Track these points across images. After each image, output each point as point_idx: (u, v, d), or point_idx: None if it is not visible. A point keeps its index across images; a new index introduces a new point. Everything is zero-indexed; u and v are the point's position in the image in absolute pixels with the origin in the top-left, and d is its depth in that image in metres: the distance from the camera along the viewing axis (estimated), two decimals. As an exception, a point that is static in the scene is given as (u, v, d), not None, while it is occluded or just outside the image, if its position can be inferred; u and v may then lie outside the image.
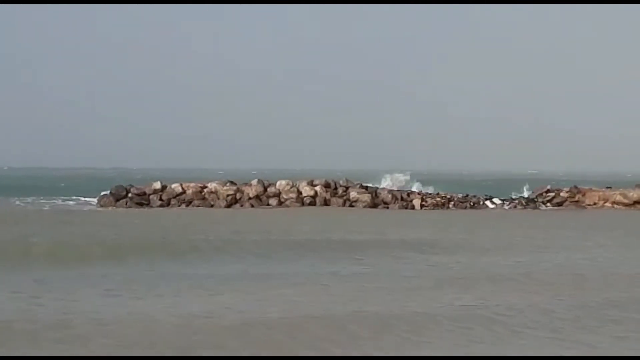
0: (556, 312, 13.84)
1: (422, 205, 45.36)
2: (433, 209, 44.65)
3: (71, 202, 48.16)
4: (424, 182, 51.32)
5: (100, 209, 43.84)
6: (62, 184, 70.12)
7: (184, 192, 45.44)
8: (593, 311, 13.99)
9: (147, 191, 45.76)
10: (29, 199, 49.00)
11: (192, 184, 45.91)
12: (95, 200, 47.09)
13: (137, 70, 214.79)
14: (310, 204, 45.05)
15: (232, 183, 46.32)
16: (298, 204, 44.90)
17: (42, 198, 49.98)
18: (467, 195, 47.47)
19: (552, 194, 47.78)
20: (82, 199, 49.34)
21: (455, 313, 13.46)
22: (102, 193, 46.68)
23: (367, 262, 21.00)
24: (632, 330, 12.53)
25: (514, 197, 48.76)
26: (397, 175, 52.10)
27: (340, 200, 45.49)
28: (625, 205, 46.92)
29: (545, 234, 29.57)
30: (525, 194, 49.55)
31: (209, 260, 20.91)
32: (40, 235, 25.83)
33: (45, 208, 44.36)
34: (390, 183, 50.23)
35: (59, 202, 48.71)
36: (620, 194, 47.81)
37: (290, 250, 22.94)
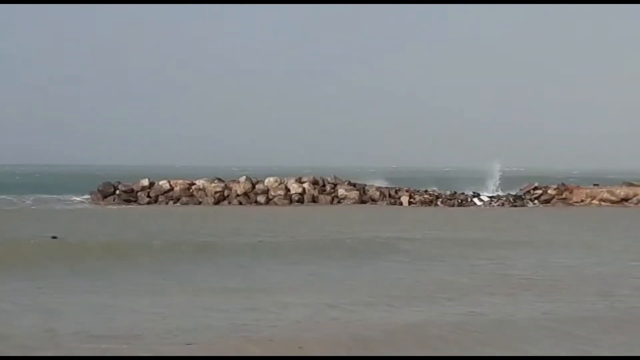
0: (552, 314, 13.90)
1: (410, 202, 45.39)
2: (421, 206, 44.67)
3: (57, 199, 47.87)
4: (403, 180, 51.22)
5: (87, 206, 43.68)
6: (52, 181, 69.82)
7: (171, 189, 45.39)
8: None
9: (135, 188, 45.72)
10: (13, 197, 48.36)
11: (180, 181, 45.88)
12: (83, 197, 47.04)
13: (134, 69, 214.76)
14: (298, 201, 45.07)
15: (220, 180, 46.29)
16: (286, 201, 44.91)
17: (27, 195, 49.52)
18: (455, 193, 47.51)
19: (540, 191, 47.87)
20: (69, 196, 49.04)
21: (454, 319, 13.21)
22: (82, 193, 46.65)
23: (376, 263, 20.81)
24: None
25: (501, 194, 48.85)
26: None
27: (329, 197, 45.53)
28: (612, 202, 47.07)
29: (533, 231, 29.63)
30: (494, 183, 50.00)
31: (191, 263, 20.74)
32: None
33: (26, 202, 44.19)
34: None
35: (44, 198, 48.28)
36: (608, 192, 47.96)
37: (289, 251, 22.50)
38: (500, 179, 51.58)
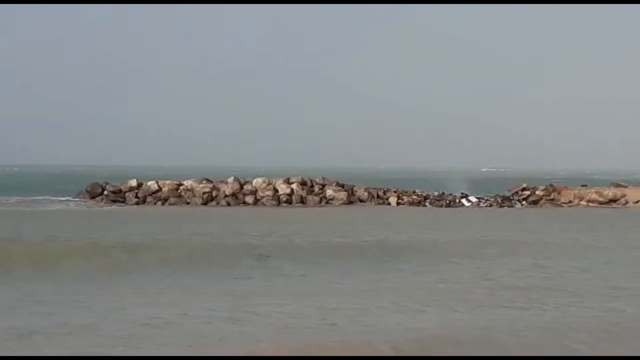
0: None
1: (398, 203, 45.43)
2: (409, 207, 44.66)
3: (47, 200, 47.43)
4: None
5: (73, 207, 43.24)
6: (39, 181, 69.42)
7: (159, 189, 45.25)
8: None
9: (123, 188, 45.57)
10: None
11: (167, 182, 45.76)
12: (73, 198, 46.79)
13: (130, 69, 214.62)
14: (286, 201, 44.96)
15: (208, 180, 46.18)
16: (274, 202, 44.79)
17: (12, 195, 48.90)
18: (443, 193, 47.52)
19: (528, 192, 47.90)
20: (57, 196, 48.65)
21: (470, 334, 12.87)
22: (69, 193, 46.41)
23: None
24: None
25: (488, 194, 48.85)
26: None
27: (317, 198, 45.44)
28: (600, 203, 47.17)
29: (523, 235, 29.61)
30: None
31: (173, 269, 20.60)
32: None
33: (11, 201, 43.85)
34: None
35: (30, 199, 47.64)
36: (596, 192, 48.06)
37: (284, 256, 22.20)
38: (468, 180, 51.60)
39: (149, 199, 44.82)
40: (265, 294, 15.92)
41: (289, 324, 12.85)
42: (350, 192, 46.24)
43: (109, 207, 42.16)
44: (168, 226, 29.83)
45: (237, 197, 45.12)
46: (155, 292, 16.15)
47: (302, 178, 46.37)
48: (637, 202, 46.95)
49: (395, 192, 46.92)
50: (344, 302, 14.80)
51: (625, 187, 49.00)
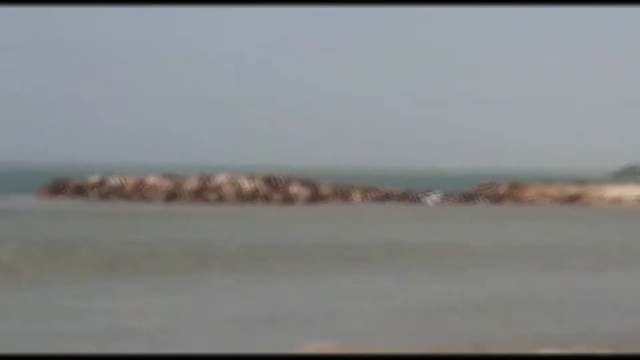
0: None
1: (362, 200, 45.48)
2: (373, 203, 44.72)
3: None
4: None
5: (22, 204, 41.72)
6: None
7: (122, 186, 44.82)
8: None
9: (85, 185, 45.09)
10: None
11: (130, 178, 45.33)
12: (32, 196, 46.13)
13: (131, 68, 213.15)
14: (250, 198, 44.61)
15: (171, 177, 45.68)
16: (238, 199, 44.46)
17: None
18: (406, 191, 47.55)
19: (491, 190, 48.07)
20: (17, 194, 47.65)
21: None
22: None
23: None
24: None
25: (452, 192, 48.87)
26: None
27: (281, 196, 45.16)
28: (562, 200, 47.50)
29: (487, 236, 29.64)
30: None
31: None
32: None
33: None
34: None
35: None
36: (558, 190, 48.40)
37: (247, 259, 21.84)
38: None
39: (111, 195, 44.37)
40: (227, 293, 15.87)
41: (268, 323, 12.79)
42: (315, 189, 46.00)
43: (65, 206, 40.88)
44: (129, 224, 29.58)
45: (200, 194, 44.75)
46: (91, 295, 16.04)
47: (265, 175, 46.07)
48: (597, 199, 47.35)
49: (359, 189, 46.87)
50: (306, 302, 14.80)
51: (587, 185, 49.41)
